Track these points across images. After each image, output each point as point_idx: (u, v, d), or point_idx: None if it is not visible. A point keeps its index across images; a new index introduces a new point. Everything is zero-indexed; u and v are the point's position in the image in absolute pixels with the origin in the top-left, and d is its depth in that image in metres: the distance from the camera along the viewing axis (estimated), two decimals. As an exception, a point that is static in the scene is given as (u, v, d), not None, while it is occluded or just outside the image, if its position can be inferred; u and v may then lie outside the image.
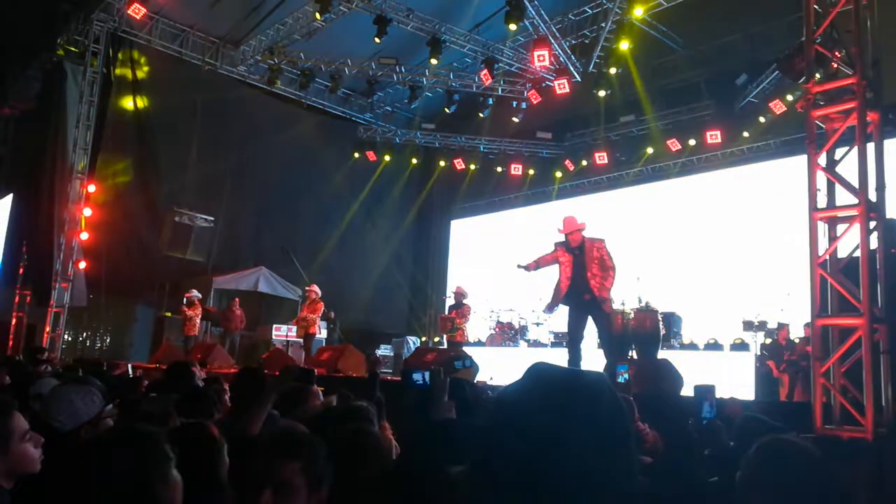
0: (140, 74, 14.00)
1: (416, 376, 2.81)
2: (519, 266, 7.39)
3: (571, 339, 7.13)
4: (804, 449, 1.95)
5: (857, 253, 4.14)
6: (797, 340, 9.58)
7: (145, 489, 1.55)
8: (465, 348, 10.49)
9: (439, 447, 1.95)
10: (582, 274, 6.92)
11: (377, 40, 12.08)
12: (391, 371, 13.64)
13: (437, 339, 13.81)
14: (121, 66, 13.71)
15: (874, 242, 4.12)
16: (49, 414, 2.69)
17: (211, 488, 2.05)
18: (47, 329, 12.28)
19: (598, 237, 7.18)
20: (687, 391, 6.63)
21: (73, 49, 12.84)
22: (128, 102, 13.88)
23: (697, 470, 2.59)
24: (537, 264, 7.35)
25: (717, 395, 4.39)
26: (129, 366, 8.34)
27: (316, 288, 11.96)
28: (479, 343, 12.78)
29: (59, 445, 2.42)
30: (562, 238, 7.17)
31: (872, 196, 4.18)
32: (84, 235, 12.67)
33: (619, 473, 0.91)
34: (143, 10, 12.13)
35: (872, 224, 4.12)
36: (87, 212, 12.75)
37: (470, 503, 0.97)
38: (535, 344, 12.65)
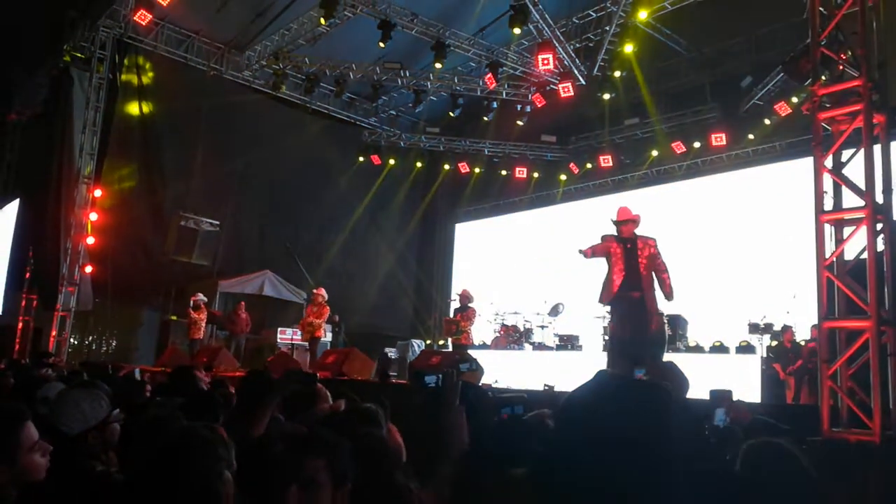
0: (146, 80, 14.08)
1: (429, 379, 2.81)
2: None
3: (619, 341, 6.80)
4: (786, 450, 2.10)
5: (864, 255, 4.12)
6: (803, 343, 9.54)
7: (210, 487, 1.70)
8: (469, 351, 10.48)
9: (499, 448, 1.97)
10: (634, 268, 6.64)
11: (382, 45, 12.12)
12: (396, 374, 13.64)
13: (441, 343, 13.80)
14: (127, 71, 13.79)
15: (881, 245, 4.10)
16: (57, 418, 2.70)
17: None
18: (53, 333, 12.33)
19: (649, 235, 6.91)
20: (693, 394, 6.61)
21: (79, 55, 12.91)
22: (133, 108, 13.96)
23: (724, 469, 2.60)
24: (592, 252, 7.06)
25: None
26: (137, 369, 8.34)
27: (323, 291, 11.96)
28: (483, 346, 12.77)
29: (66, 450, 2.42)
30: (611, 230, 6.97)
31: (879, 198, 4.17)
32: (90, 240, 12.72)
33: (679, 479, 0.93)
34: (149, 17, 12.19)
35: (879, 226, 4.10)
36: (94, 216, 12.80)
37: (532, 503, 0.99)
38: (541, 347, 12.63)
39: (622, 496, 0.91)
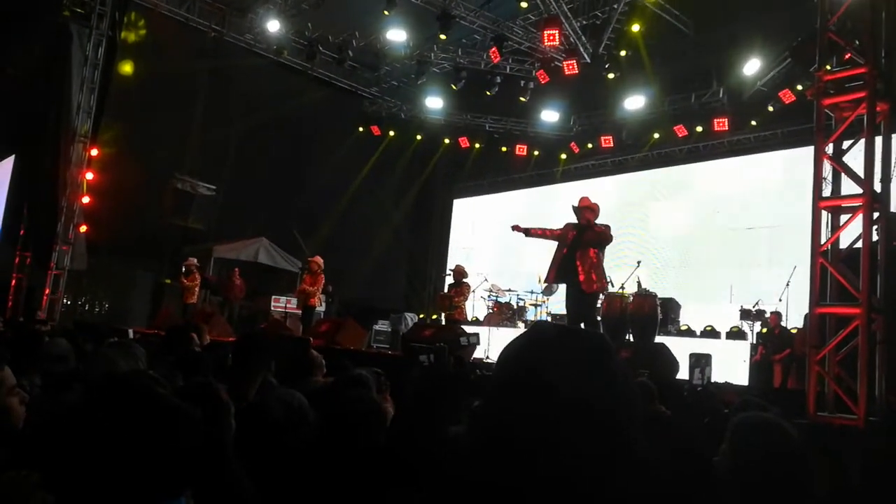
0: (145, 39, 13.87)
1: (423, 358, 2.86)
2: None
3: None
4: (778, 424, 2.02)
5: (859, 244, 4.13)
6: (794, 331, 9.60)
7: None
8: (463, 327, 10.53)
9: (438, 407, 1.96)
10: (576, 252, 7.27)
11: (386, 13, 11.96)
12: (388, 346, 13.72)
13: (434, 316, 13.85)
14: (126, 29, 13.56)
15: (876, 234, 4.11)
16: (91, 374, 2.68)
17: (216, 451, 1.98)
18: (47, 291, 12.30)
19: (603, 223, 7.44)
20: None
21: (79, 10, 12.68)
22: (132, 67, 13.76)
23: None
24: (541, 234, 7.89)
25: (714, 376, 4.42)
26: (130, 331, 8.36)
27: (319, 260, 11.88)
28: (476, 322, 12.82)
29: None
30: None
31: (878, 187, 4.17)
32: (86, 199, 12.64)
33: (622, 430, 0.91)
34: (151, -26, 11.98)
35: (875, 215, 4.11)
36: (90, 175, 12.70)
37: (470, 461, 0.97)
38: (533, 325, 12.68)
39: (557, 450, 0.88)
